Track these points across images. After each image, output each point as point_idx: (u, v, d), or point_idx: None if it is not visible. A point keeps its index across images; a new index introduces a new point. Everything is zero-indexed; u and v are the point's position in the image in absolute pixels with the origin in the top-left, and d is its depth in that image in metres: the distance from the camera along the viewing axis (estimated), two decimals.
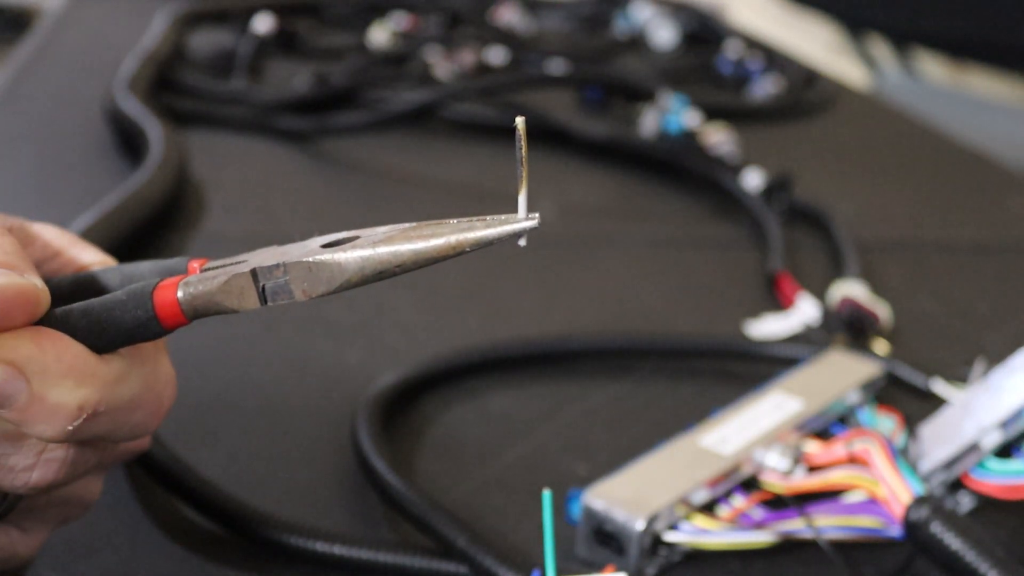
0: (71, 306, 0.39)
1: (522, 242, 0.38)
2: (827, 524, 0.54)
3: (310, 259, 0.38)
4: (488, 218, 0.38)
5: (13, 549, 0.44)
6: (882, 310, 0.78)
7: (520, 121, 0.36)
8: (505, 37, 1.48)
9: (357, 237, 0.39)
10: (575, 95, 1.32)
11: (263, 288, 0.39)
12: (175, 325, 0.39)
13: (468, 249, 0.37)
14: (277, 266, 0.38)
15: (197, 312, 0.39)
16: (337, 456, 0.60)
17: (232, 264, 0.40)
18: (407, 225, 0.39)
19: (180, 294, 0.39)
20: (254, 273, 0.39)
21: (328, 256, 0.38)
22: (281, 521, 0.52)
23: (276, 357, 0.71)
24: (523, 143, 0.36)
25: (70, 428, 0.38)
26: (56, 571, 0.50)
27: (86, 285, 0.45)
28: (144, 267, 0.45)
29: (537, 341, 0.72)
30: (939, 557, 0.50)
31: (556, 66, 1.36)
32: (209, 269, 0.40)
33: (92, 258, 0.47)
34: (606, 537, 0.52)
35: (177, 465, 0.54)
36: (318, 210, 0.99)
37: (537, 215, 0.37)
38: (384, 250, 0.38)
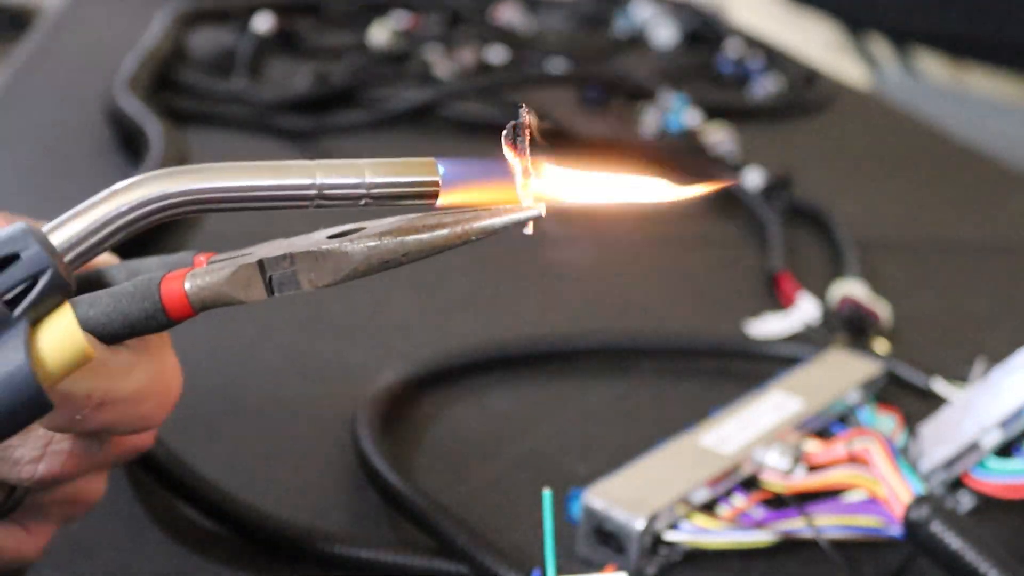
0: (78, 297, 0.40)
1: (528, 230, 0.38)
2: (827, 524, 0.54)
3: (317, 249, 0.38)
4: (493, 207, 0.38)
5: (18, 550, 0.44)
6: (882, 310, 0.78)
7: (525, 112, 0.37)
8: (505, 36, 1.48)
9: (363, 228, 0.39)
10: (575, 95, 1.32)
11: (270, 279, 0.39)
12: (182, 317, 0.39)
13: (474, 238, 0.38)
14: (284, 257, 0.39)
15: (204, 303, 0.39)
16: (337, 456, 0.60)
17: (239, 256, 0.40)
18: (412, 215, 0.39)
19: (187, 285, 0.39)
20: (261, 264, 0.39)
21: (335, 246, 0.38)
22: (281, 521, 0.52)
23: (276, 357, 0.71)
24: (527, 134, 0.37)
25: (78, 417, 0.38)
26: (56, 571, 0.50)
27: (93, 282, 0.45)
28: (151, 262, 0.45)
29: (537, 341, 0.72)
30: (939, 556, 0.50)
31: (556, 65, 1.35)
32: (216, 262, 0.40)
33: (98, 257, 0.48)
34: (606, 536, 0.52)
35: (177, 465, 0.54)
36: (318, 210, 0.98)
37: (542, 204, 0.38)
38: (390, 240, 0.38)
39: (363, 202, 0.38)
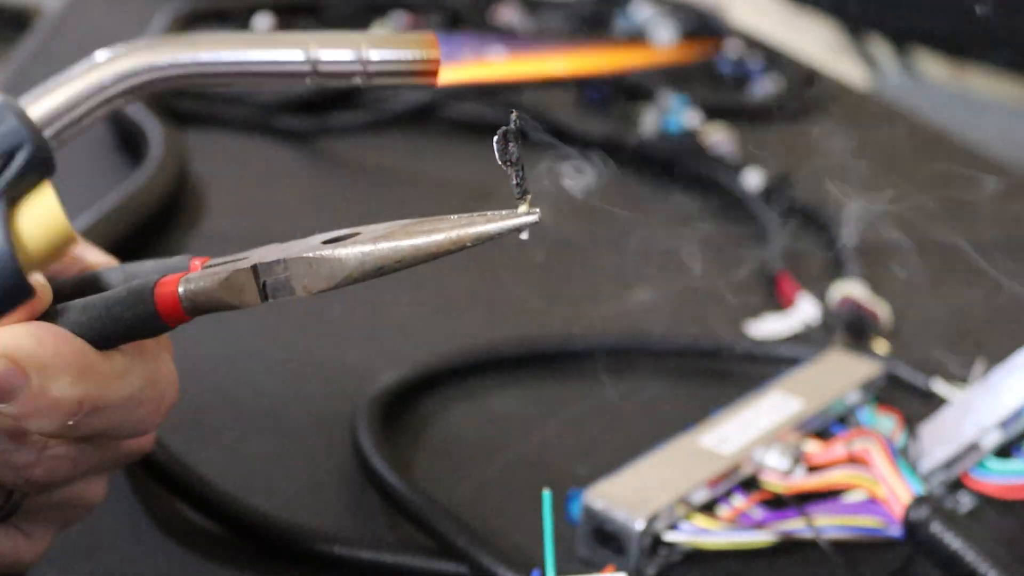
0: (72, 302, 0.40)
1: (524, 236, 0.38)
2: (827, 524, 0.54)
3: (310, 255, 0.38)
4: (489, 213, 0.38)
5: (18, 555, 0.44)
6: (882, 310, 0.78)
7: (515, 116, 0.37)
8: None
9: (358, 233, 0.39)
10: (575, 95, 1.32)
11: (264, 284, 0.39)
12: (176, 322, 0.39)
13: (469, 244, 0.38)
14: (278, 262, 0.39)
15: (198, 308, 0.39)
16: (337, 456, 0.60)
17: (233, 261, 0.40)
18: (408, 221, 0.39)
19: (181, 290, 0.39)
20: (255, 269, 0.39)
21: (328, 252, 0.38)
22: (281, 521, 0.52)
23: (276, 357, 0.71)
24: (520, 138, 0.37)
25: (70, 423, 0.38)
26: (56, 571, 0.50)
27: (89, 285, 0.45)
28: (147, 266, 0.45)
29: (537, 341, 0.72)
30: (939, 557, 0.50)
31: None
32: (211, 267, 0.40)
33: (96, 259, 0.48)
34: (606, 537, 0.52)
35: (177, 465, 0.54)
36: (318, 210, 0.98)
37: (538, 210, 0.38)
38: (384, 245, 0.38)
39: (359, 79, 0.37)
